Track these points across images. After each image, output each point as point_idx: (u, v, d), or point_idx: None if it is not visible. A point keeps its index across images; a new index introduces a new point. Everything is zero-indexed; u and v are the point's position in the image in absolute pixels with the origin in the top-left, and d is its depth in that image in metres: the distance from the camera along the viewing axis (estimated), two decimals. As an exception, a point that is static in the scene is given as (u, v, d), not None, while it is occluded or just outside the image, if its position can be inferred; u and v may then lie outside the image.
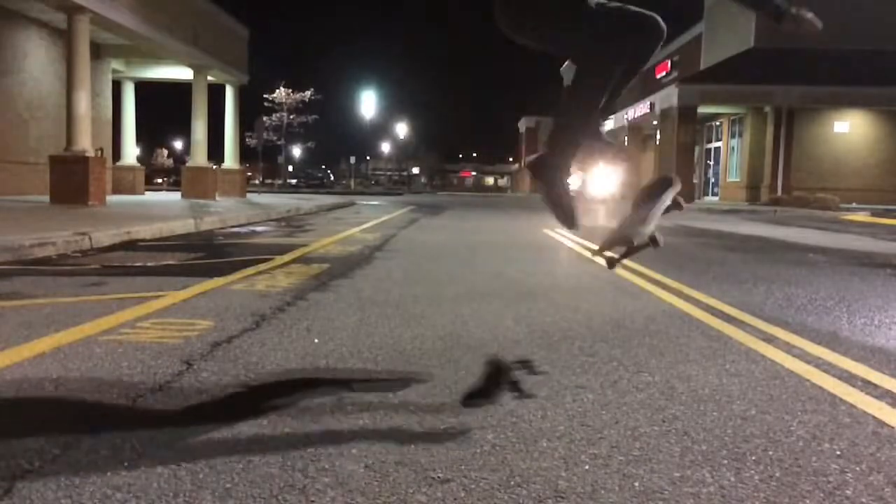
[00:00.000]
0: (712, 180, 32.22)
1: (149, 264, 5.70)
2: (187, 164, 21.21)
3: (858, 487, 1.73)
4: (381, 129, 70.47)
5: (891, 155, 26.86)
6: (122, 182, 20.76)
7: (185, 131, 21.83)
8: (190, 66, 19.28)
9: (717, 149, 31.37)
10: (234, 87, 22.33)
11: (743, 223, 14.37)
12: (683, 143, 26.74)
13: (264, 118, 36.38)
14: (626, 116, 32.36)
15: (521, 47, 2.97)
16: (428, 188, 70.95)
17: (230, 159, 22.88)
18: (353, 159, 67.34)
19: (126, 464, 1.76)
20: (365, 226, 11.34)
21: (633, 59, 2.53)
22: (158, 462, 1.78)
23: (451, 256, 6.98)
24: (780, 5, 2.77)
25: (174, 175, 55.91)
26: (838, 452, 1.95)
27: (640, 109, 30.55)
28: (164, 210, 12.22)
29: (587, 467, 1.81)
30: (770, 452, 1.94)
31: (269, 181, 64.44)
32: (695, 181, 29.25)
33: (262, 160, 37.76)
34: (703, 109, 27.02)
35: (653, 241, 3.60)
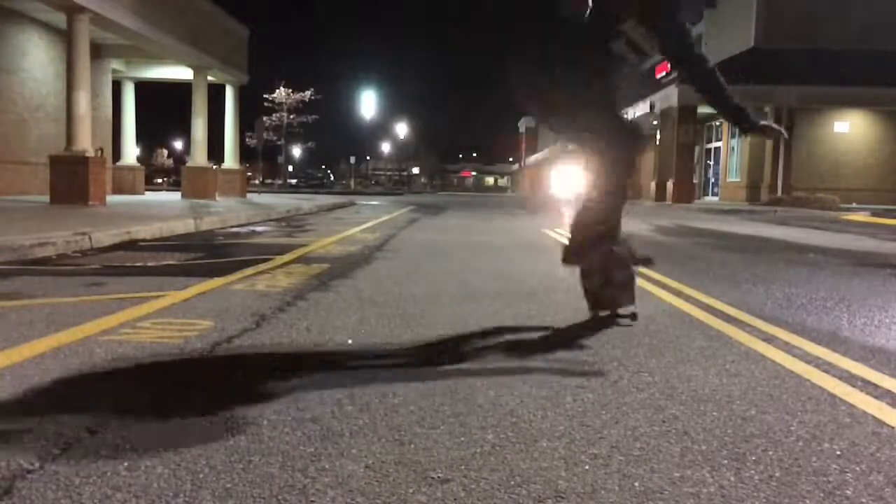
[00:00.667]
0: (712, 180, 32.24)
1: (149, 264, 5.70)
2: (187, 164, 21.21)
3: (858, 487, 1.72)
4: (381, 129, 70.55)
5: (891, 155, 26.86)
6: (122, 182, 20.78)
7: (185, 131, 21.86)
8: (190, 66, 19.27)
9: (717, 149, 31.37)
10: (234, 87, 22.32)
11: (743, 223, 14.36)
12: (683, 143, 26.75)
13: (264, 118, 36.40)
14: (626, 117, 32.25)
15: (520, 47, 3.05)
16: (428, 188, 71.04)
17: (230, 159, 22.88)
18: (353, 159, 67.47)
19: (126, 464, 1.76)
20: (365, 226, 11.34)
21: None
22: (158, 462, 1.77)
23: (451, 256, 6.98)
24: (755, 123, 3.53)
25: (174, 175, 56.00)
26: (838, 452, 1.95)
27: (640, 109, 30.53)
28: (164, 210, 12.21)
29: (587, 467, 1.81)
30: (770, 452, 1.94)
31: (269, 181, 64.42)
32: (695, 181, 29.24)
33: (262, 160, 37.71)
34: (702, 109, 26.97)
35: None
